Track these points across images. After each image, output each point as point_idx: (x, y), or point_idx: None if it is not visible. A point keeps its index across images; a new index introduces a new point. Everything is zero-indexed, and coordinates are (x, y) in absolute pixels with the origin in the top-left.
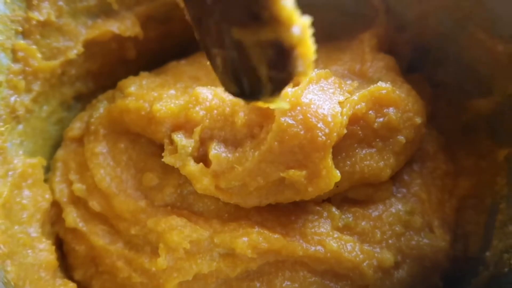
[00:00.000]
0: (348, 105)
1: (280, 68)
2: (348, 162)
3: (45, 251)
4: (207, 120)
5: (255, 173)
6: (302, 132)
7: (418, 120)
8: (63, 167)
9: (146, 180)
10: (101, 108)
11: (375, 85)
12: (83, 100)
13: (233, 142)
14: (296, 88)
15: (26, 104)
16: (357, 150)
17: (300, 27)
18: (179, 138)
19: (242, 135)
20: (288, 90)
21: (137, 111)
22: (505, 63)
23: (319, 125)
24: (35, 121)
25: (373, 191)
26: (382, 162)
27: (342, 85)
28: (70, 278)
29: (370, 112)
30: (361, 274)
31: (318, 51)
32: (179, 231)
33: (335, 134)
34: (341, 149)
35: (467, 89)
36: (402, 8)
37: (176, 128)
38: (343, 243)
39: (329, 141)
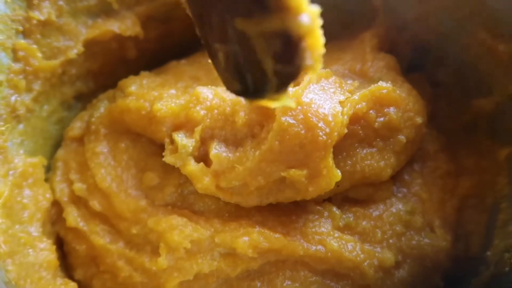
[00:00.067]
0: (349, 104)
1: (286, 61)
2: (349, 162)
3: (46, 250)
4: (208, 120)
5: (256, 172)
6: (302, 132)
7: (419, 119)
8: (63, 167)
9: (147, 180)
10: (101, 107)
11: (375, 84)
12: (84, 99)
13: (233, 142)
14: (297, 87)
15: (26, 104)
16: (357, 150)
17: (309, 15)
18: (180, 138)
19: (243, 135)
20: (289, 89)
21: (137, 111)
22: (506, 63)
23: (319, 125)
24: (35, 121)
25: (373, 190)
26: (383, 161)
27: (343, 85)
28: (71, 277)
29: (371, 111)
30: (361, 273)
31: None
32: (180, 231)
33: (335, 133)
34: (341, 148)
35: (467, 88)
36: (402, 8)
37: (177, 127)
38: (343, 242)
39: (329, 140)
